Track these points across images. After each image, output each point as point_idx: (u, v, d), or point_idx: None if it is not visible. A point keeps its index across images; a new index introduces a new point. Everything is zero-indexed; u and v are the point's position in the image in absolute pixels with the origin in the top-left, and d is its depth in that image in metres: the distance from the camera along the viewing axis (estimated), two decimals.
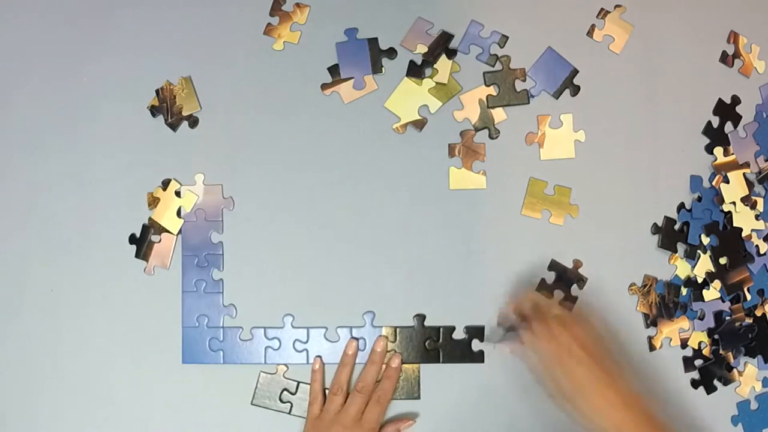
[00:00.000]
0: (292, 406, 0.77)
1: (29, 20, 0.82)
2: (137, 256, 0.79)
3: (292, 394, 0.77)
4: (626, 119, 0.81)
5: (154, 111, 0.80)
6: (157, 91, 0.80)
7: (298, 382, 0.77)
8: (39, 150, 0.81)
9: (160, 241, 0.78)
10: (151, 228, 0.79)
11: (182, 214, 0.79)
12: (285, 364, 0.77)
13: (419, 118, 0.80)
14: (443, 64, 0.80)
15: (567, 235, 0.79)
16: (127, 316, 0.78)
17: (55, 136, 0.81)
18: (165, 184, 0.79)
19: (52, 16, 0.82)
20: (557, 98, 0.80)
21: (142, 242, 0.79)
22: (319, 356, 0.77)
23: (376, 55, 0.80)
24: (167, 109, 0.80)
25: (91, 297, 0.79)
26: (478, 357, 0.78)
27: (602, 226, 0.80)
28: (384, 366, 0.77)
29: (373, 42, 0.81)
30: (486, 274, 0.79)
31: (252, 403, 0.77)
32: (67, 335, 0.78)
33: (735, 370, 0.80)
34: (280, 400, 0.77)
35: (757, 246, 0.81)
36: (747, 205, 0.81)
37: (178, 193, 0.79)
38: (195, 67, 0.81)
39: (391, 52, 0.81)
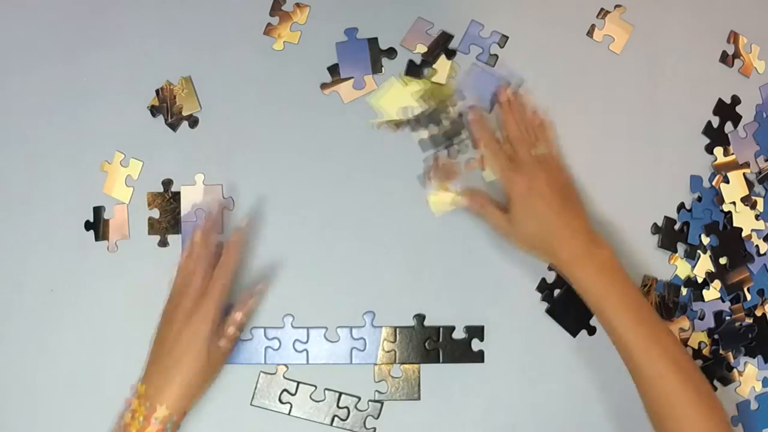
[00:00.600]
0: (291, 407, 0.77)
1: (28, 19, 0.82)
2: (96, 239, 0.79)
3: (292, 395, 0.77)
4: (626, 119, 0.81)
5: (154, 111, 0.80)
6: (157, 91, 0.80)
7: (298, 383, 0.77)
8: (38, 150, 0.81)
9: (113, 216, 0.79)
10: (103, 207, 0.79)
11: (134, 185, 0.79)
12: (285, 365, 0.77)
13: (399, 118, 0.80)
14: (442, 64, 0.80)
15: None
16: (126, 315, 0.78)
17: (54, 135, 0.81)
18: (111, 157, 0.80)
19: (52, 15, 0.82)
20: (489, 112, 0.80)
21: (97, 224, 0.79)
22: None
23: (376, 55, 0.80)
24: (167, 109, 0.80)
25: (91, 297, 0.79)
26: (478, 357, 0.78)
27: (602, 226, 0.80)
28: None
29: (372, 42, 0.81)
30: (486, 274, 0.79)
31: (251, 404, 0.77)
32: (67, 335, 0.78)
33: (735, 370, 0.80)
34: (280, 400, 0.77)
35: (757, 246, 0.81)
36: (747, 205, 0.81)
37: (124, 164, 0.79)
38: (195, 67, 0.81)
39: (391, 52, 0.81)
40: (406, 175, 0.80)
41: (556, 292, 0.78)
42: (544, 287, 0.79)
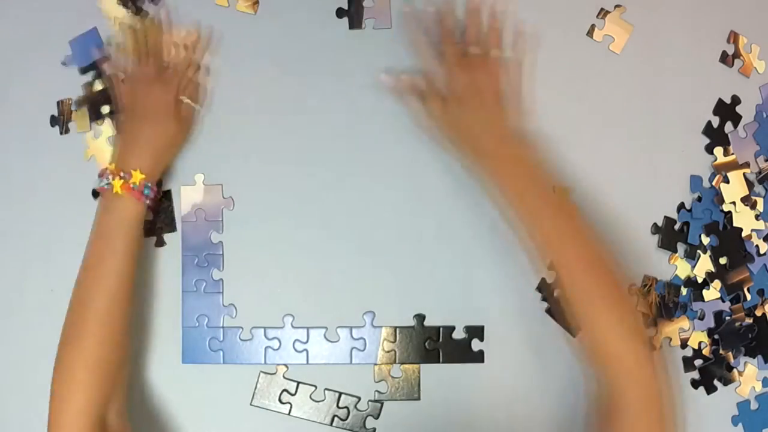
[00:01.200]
0: (291, 407, 0.77)
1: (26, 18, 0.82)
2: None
3: (292, 395, 0.77)
4: (626, 119, 0.81)
5: None
6: None
7: (298, 383, 0.77)
8: (36, 150, 0.81)
9: None
10: None
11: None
12: (285, 365, 0.77)
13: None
14: None
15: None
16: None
17: (52, 138, 0.81)
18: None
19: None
20: None
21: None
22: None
23: None
24: None
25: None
26: (478, 357, 0.78)
27: (602, 226, 0.79)
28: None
29: None
30: (486, 273, 0.79)
31: (251, 404, 0.77)
32: None
33: (735, 370, 0.80)
34: (280, 400, 0.77)
35: (757, 246, 0.81)
36: (747, 205, 0.81)
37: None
38: None
39: None
40: (407, 175, 0.80)
41: (557, 291, 0.78)
42: (544, 287, 0.78)
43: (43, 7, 0.83)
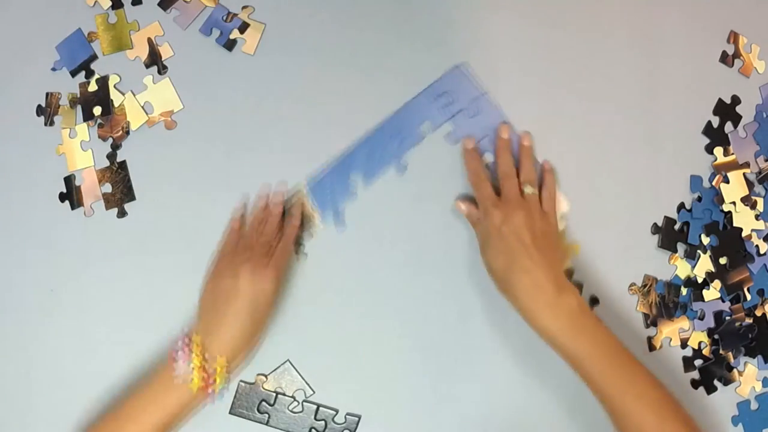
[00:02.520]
0: (269, 418, 0.77)
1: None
2: (72, 208, 0.79)
3: (270, 405, 0.77)
4: (626, 119, 0.81)
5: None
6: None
7: (277, 394, 0.77)
8: (33, 151, 0.81)
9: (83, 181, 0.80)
10: (73, 175, 0.80)
11: (91, 147, 0.80)
12: (264, 375, 0.77)
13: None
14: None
15: (567, 235, 0.79)
16: (124, 315, 0.78)
17: (46, 135, 0.81)
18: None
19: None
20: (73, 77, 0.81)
21: (71, 193, 0.80)
22: (240, 214, 0.77)
23: None
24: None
25: (90, 297, 0.79)
26: None
27: (602, 226, 0.80)
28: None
29: None
30: (482, 271, 0.78)
31: (229, 413, 0.77)
32: (67, 335, 0.78)
33: (735, 370, 0.80)
34: (258, 410, 0.77)
35: (757, 246, 0.81)
36: (747, 205, 0.81)
37: (72, 135, 0.80)
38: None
39: None
40: (409, 174, 0.80)
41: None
42: None
43: (25, 13, 0.83)
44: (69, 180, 0.80)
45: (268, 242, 0.73)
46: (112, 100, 0.80)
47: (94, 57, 0.81)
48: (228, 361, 0.67)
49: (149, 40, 0.80)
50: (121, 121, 0.80)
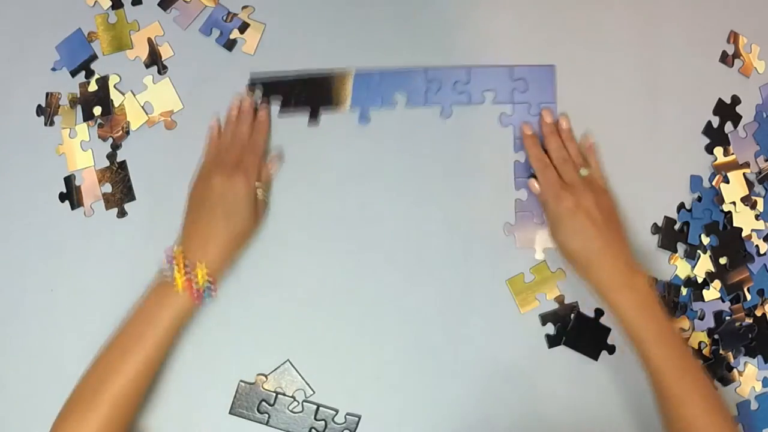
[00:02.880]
0: (269, 418, 0.77)
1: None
2: (72, 208, 0.80)
3: (270, 405, 0.77)
4: (626, 120, 0.81)
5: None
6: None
7: (277, 393, 0.77)
8: (33, 151, 0.81)
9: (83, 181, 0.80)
10: (73, 175, 0.80)
11: (91, 147, 0.80)
12: (264, 375, 0.77)
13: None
14: None
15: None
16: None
17: (46, 135, 0.81)
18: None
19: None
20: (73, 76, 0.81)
21: (70, 193, 0.80)
22: (217, 118, 0.79)
23: None
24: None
25: (90, 297, 0.79)
26: None
27: None
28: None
29: None
30: (484, 274, 0.79)
31: (229, 413, 0.77)
32: (67, 335, 0.78)
33: (735, 370, 0.80)
34: (258, 410, 0.77)
35: (757, 246, 0.81)
36: (747, 205, 0.81)
37: (72, 135, 0.81)
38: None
39: None
40: (410, 173, 0.80)
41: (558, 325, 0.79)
42: (553, 319, 0.78)
43: (25, 13, 0.83)
44: (69, 180, 0.80)
45: (241, 147, 0.75)
46: (112, 100, 0.80)
47: (94, 57, 0.81)
48: (207, 266, 0.70)
49: (149, 40, 0.80)
50: (121, 121, 0.80)
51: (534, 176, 0.77)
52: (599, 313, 0.78)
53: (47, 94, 0.81)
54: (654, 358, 0.69)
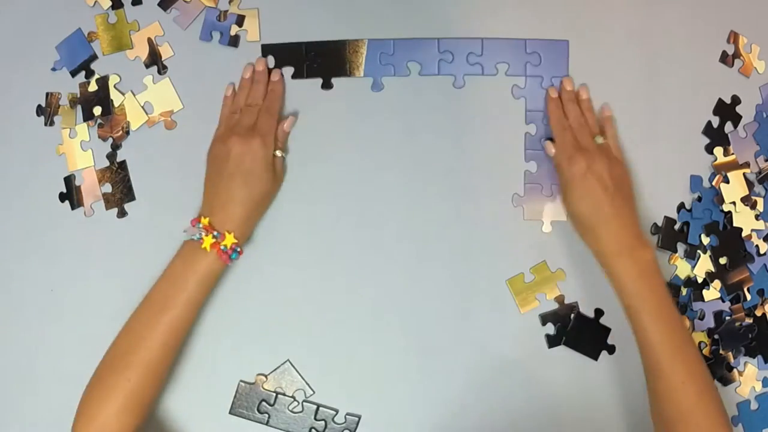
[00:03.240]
0: (269, 418, 0.77)
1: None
2: (72, 208, 0.80)
3: (270, 405, 0.77)
4: (626, 119, 0.81)
5: None
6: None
7: (277, 393, 0.77)
8: (33, 151, 0.81)
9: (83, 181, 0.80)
10: (73, 175, 0.80)
11: (91, 147, 0.80)
12: (264, 375, 0.77)
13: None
14: None
15: (567, 235, 0.79)
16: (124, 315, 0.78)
17: (46, 135, 0.81)
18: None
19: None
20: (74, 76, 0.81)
21: (70, 193, 0.80)
22: (232, 83, 0.79)
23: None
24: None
25: (90, 296, 0.79)
26: None
27: None
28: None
29: None
30: (483, 275, 0.79)
31: (229, 413, 0.77)
32: (67, 335, 0.78)
33: (735, 370, 0.80)
34: (258, 410, 0.77)
35: (757, 246, 0.81)
36: (747, 205, 0.81)
37: (72, 135, 0.81)
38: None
39: None
40: (410, 172, 0.80)
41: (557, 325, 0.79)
42: (553, 318, 0.78)
43: (25, 13, 0.83)
44: (69, 180, 0.80)
45: (256, 110, 0.75)
46: (112, 100, 0.80)
47: (94, 57, 0.81)
48: (235, 234, 0.71)
49: (149, 40, 0.80)
50: (121, 121, 0.80)
51: (551, 140, 0.78)
52: (599, 313, 0.79)
53: (47, 94, 0.81)
54: (648, 333, 0.69)
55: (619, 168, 0.76)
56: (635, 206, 0.76)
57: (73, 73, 0.81)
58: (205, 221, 0.71)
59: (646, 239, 0.74)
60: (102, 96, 0.80)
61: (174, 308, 0.69)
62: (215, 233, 0.70)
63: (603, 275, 0.75)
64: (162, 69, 0.80)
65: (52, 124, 0.81)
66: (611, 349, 0.78)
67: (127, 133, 0.80)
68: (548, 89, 0.79)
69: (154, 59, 0.80)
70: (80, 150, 0.80)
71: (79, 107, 0.81)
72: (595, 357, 0.78)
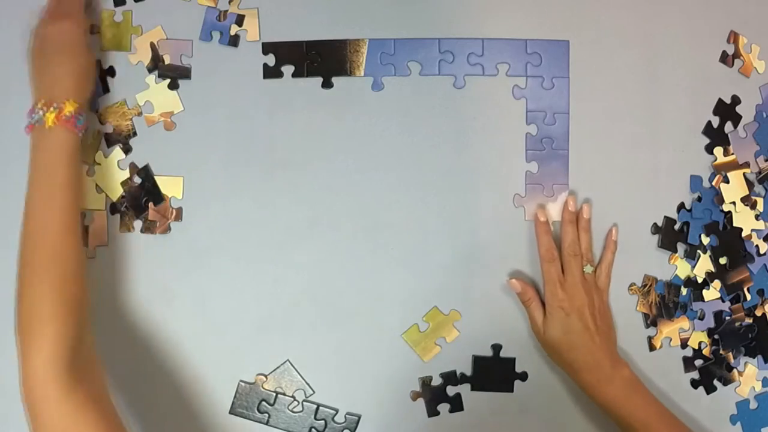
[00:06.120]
0: (269, 417, 0.77)
1: None
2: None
3: (270, 405, 0.77)
4: (626, 119, 0.81)
5: None
6: None
7: (277, 393, 0.77)
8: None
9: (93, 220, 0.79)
10: (84, 213, 0.78)
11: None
12: (264, 375, 0.77)
13: None
14: None
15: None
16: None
17: None
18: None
19: None
20: None
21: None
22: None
23: None
24: None
25: (91, 294, 0.78)
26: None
27: (602, 226, 0.79)
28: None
29: None
30: (484, 276, 0.79)
31: (230, 413, 0.77)
32: None
33: (735, 370, 0.80)
34: (258, 410, 0.77)
35: (757, 246, 0.81)
36: (747, 205, 0.81)
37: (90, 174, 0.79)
38: None
39: None
40: (411, 168, 0.80)
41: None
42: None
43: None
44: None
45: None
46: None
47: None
48: (75, 100, 0.71)
49: (152, 45, 0.80)
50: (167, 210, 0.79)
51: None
52: (497, 348, 0.79)
53: None
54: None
55: (600, 301, 0.76)
56: (613, 333, 0.77)
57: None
58: (41, 101, 0.70)
59: (620, 359, 0.75)
60: (149, 186, 0.79)
61: (54, 197, 0.68)
62: (54, 105, 0.69)
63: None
64: (164, 73, 0.79)
65: None
66: (524, 377, 0.78)
67: (135, 133, 0.79)
68: (537, 212, 0.78)
69: (157, 63, 0.80)
70: (94, 192, 0.79)
71: (103, 140, 0.79)
72: (510, 389, 0.78)
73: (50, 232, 0.68)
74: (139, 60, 0.80)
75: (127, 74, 0.80)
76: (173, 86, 0.79)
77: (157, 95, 0.80)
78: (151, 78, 0.80)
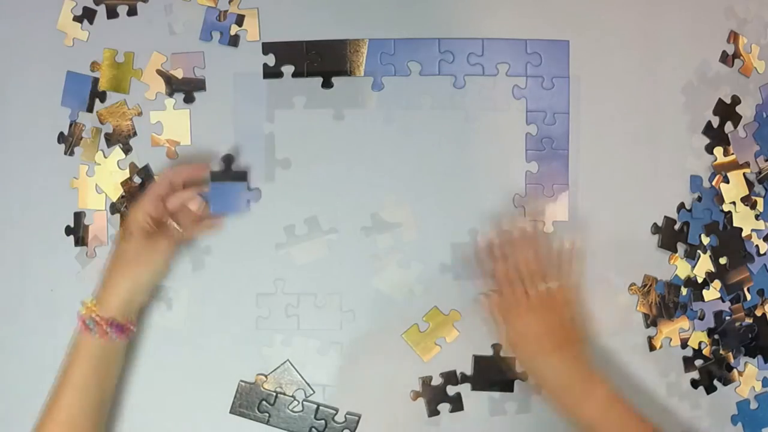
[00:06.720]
0: (269, 417, 0.77)
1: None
2: (76, 244, 0.79)
3: (271, 404, 0.77)
4: (626, 119, 0.81)
5: None
6: None
7: (277, 393, 0.77)
8: (32, 151, 0.81)
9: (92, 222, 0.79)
10: (83, 212, 0.79)
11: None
12: (264, 375, 0.77)
13: None
14: None
15: (567, 235, 0.79)
16: None
17: (46, 140, 0.81)
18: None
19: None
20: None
21: (77, 229, 0.79)
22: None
23: None
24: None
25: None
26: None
27: (602, 225, 0.80)
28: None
29: None
30: (484, 276, 0.78)
31: (230, 412, 0.77)
32: (67, 335, 0.78)
33: (735, 370, 0.80)
34: (258, 410, 0.77)
35: (757, 246, 0.81)
36: (747, 205, 0.81)
37: (90, 174, 0.80)
38: None
39: None
40: (411, 164, 0.80)
41: None
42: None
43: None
44: (79, 216, 0.79)
45: (158, 220, 0.73)
46: None
47: (96, 81, 0.80)
48: (98, 302, 0.70)
49: (159, 72, 0.79)
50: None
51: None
52: (497, 347, 0.78)
53: (71, 122, 0.80)
54: None
55: (564, 319, 0.73)
56: (582, 349, 0.73)
57: (90, 108, 0.80)
58: (91, 303, 0.71)
59: (593, 376, 0.71)
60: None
61: (64, 393, 0.70)
62: (96, 318, 0.70)
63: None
64: (185, 94, 0.79)
65: (72, 154, 0.80)
66: (524, 377, 0.78)
67: (135, 134, 0.79)
68: (490, 235, 0.77)
69: (171, 85, 0.79)
70: (94, 192, 0.79)
71: (103, 140, 0.79)
72: (510, 389, 0.78)
73: (55, 422, 0.69)
74: (157, 92, 0.79)
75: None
76: (189, 99, 0.79)
77: (170, 119, 0.79)
78: (171, 102, 0.79)
